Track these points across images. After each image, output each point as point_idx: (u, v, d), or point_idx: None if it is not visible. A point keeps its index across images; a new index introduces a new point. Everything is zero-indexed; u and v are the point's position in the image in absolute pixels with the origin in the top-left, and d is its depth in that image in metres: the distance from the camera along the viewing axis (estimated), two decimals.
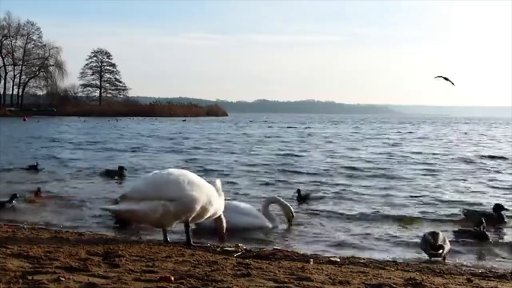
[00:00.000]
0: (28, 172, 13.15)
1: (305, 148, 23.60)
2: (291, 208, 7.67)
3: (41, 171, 13.25)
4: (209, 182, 6.18)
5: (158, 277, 4.18)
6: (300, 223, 7.68)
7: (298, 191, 9.84)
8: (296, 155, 19.39)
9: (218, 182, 6.27)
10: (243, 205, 7.62)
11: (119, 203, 5.85)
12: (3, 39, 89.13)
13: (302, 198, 9.63)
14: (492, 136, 37.33)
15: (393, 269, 5.19)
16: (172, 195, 5.73)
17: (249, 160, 17.50)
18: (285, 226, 7.54)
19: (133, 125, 52.07)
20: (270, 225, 7.36)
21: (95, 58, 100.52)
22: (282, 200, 7.79)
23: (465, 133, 42.78)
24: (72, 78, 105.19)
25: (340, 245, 6.60)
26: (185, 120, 70.68)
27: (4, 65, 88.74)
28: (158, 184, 5.79)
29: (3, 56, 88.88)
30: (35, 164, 13.60)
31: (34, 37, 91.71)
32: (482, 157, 18.75)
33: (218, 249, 5.86)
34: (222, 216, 6.39)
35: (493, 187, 11.63)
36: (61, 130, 38.86)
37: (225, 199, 6.38)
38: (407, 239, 6.90)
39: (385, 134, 40.26)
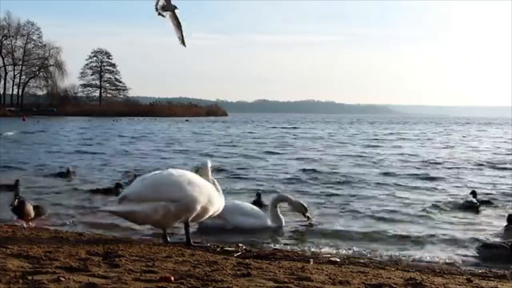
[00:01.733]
0: (59, 178, 12.23)
1: (277, 149, 23.05)
2: (303, 203, 7.63)
3: (73, 176, 12.30)
4: (200, 165, 6.29)
5: (158, 277, 4.18)
6: (300, 223, 7.68)
7: (259, 194, 8.99)
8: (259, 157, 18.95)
9: (209, 163, 6.29)
10: (245, 205, 7.59)
11: (119, 204, 5.84)
12: (3, 39, 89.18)
13: (262, 203, 8.57)
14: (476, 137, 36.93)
15: (393, 269, 5.19)
16: (172, 196, 5.72)
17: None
18: (293, 221, 7.55)
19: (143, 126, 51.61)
20: (273, 224, 7.33)
21: (95, 58, 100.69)
22: (291, 197, 7.74)
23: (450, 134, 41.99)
24: (72, 78, 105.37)
25: (340, 245, 6.60)
26: (187, 120, 70.64)
27: (4, 65, 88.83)
28: (158, 185, 5.78)
29: (3, 56, 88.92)
30: (67, 170, 12.60)
31: (34, 37, 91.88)
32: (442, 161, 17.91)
33: (218, 249, 5.86)
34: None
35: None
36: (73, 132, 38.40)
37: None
38: (407, 239, 6.91)
39: (368, 134, 39.90)
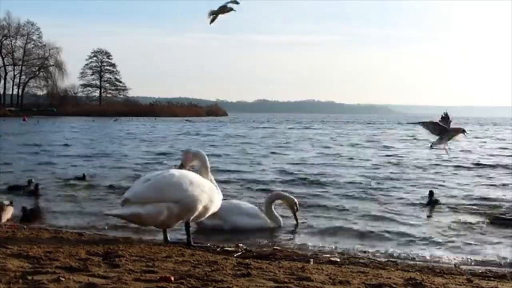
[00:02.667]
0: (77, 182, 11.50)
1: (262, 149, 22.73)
2: (295, 200, 7.62)
3: (88, 181, 11.61)
4: (195, 153, 6.39)
5: (158, 277, 4.18)
6: (300, 223, 7.67)
7: None
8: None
9: (204, 155, 6.34)
10: (244, 204, 7.58)
11: (122, 207, 5.84)
12: (3, 39, 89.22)
13: None
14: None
15: (393, 269, 5.19)
16: (175, 197, 5.74)
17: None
18: (292, 221, 7.52)
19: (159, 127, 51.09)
20: (272, 224, 7.34)
21: (95, 58, 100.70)
22: (284, 194, 7.76)
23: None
24: (72, 78, 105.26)
25: (341, 245, 6.60)
26: (187, 120, 70.57)
27: (4, 65, 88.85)
28: (160, 187, 5.79)
29: (3, 56, 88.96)
30: (83, 175, 11.91)
31: (34, 37, 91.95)
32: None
33: (218, 249, 5.87)
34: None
35: None
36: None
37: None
38: (407, 239, 6.92)
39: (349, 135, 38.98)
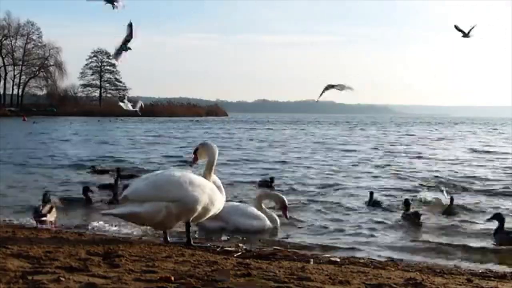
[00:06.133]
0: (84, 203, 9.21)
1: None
2: (282, 196, 7.52)
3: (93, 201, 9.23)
4: (204, 144, 6.23)
5: (158, 277, 4.18)
6: (300, 223, 7.67)
7: (272, 179, 11.23)
8: None
9: (214, 149, 6.18)
10: (244, 206, 7.56)
11: (120, 206, 5.83)
12: (3, 39, 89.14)
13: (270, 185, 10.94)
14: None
15: (393, 269, 5.19)
16: (174, 196, 5.72)
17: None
18: (292, 221, 7.46)
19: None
20: (271, 225, 7.33)
21: (95, 58, 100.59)
22: (271, 192, 7.60)
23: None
24: (72, 78, 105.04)
25: (341, 245, 6.60)
26: (191, 121, 70.44)
27: (4, 65, 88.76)
28: (160, 186, 5.77)
29: (3, 56, 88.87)
30: (87, 193, 9.16)
31: (34, 37, 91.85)
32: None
33: (218, 249, 5.87)
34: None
35: None
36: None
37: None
38: (406, 238, 6.92)
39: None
